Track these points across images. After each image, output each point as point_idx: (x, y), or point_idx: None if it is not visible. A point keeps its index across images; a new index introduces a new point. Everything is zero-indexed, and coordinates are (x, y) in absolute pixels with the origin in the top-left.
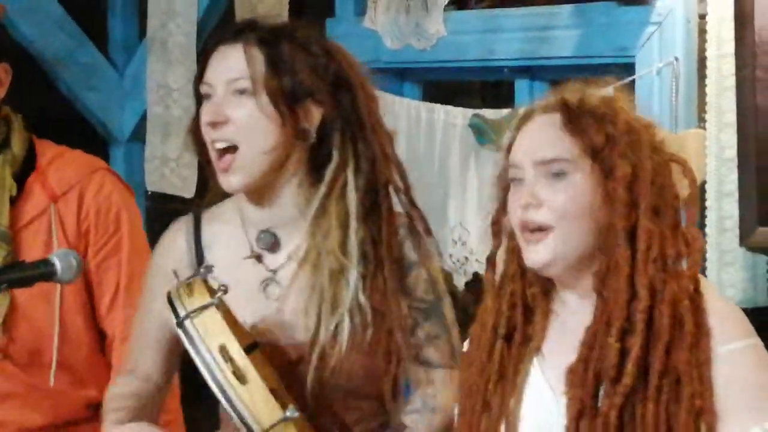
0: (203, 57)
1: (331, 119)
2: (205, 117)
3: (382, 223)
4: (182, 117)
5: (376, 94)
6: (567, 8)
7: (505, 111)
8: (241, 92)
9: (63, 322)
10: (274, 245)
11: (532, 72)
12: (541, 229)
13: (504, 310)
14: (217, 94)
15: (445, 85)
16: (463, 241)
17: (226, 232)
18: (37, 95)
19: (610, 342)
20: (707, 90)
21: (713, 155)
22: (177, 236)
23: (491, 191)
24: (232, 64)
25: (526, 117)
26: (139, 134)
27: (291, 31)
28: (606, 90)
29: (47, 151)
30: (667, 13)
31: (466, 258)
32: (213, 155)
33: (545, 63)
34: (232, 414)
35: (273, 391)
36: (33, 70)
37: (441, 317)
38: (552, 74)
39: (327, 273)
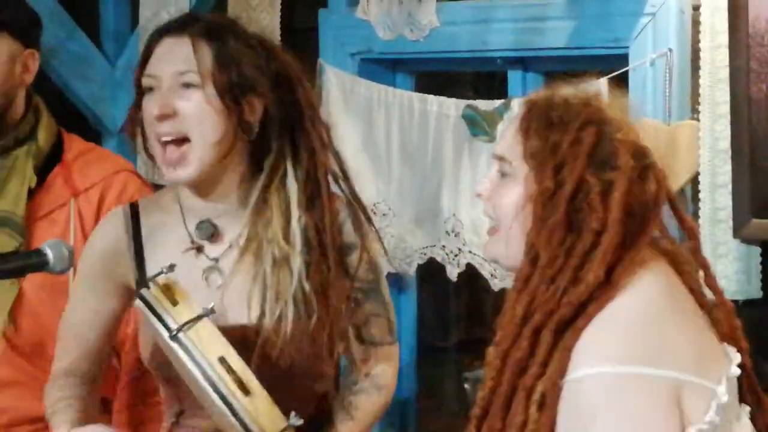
0: (145, 49)
1: (272, 112)
2: (153, 110)
3: (324, 210)
4: None
5: (313, 89)
6: None
7: (498, 102)
8: (188, 85)
9: None
10: (213, 235)
11: (526, 63)
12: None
13: None
14: (162, 86)
15: (437, 76)
16: (456, 233)
17: (165, 222)
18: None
19: (490, 360)
20: (701, 81)
21: (707, 146)
22: (114, 228)
23: None
24: (180, 56)
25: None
26: None
27: (233, 27)
28: (595, 87)
29: (74, 146)
30: (661, 4)
31: (459, 249)
32: (157, 149)
33: (538, 54)
34: (236, 425)
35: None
36: None
37: (380, 296)
38: (545, 65)
39: (269, 261)
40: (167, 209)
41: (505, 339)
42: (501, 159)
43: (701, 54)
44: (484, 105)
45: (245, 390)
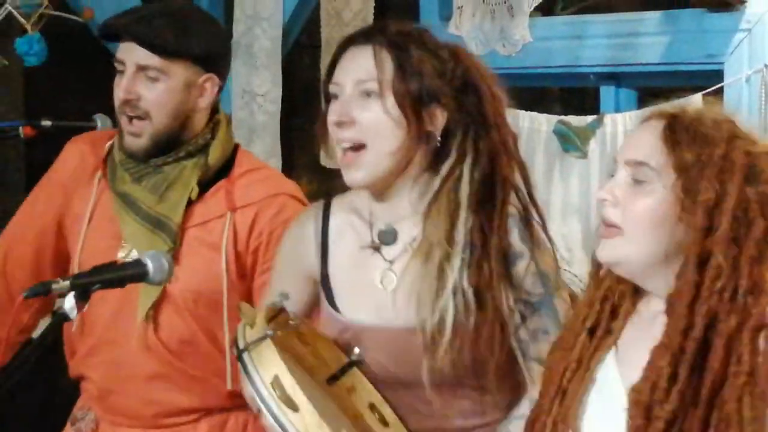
0: (332, 59)
1: (455, 121)
2: (332, 117)
3: (494, 215)
4: (267, 122)
5: (502, 95)
6: (654, 14)
7: (590, 118)
8: (368, 94)
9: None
10: (393, 240)
11: (618, 78)
12: (614, 227)
13: (595, 304)
14: (344, 94)
15: (529, 91)
16: None
17: (353, 220)
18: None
19: (661, 365)
20: None
21: None
22: (306, 224)
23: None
24: (361, 65)
25: (646, 117)
26: None
27: (419, 36)
28: (723, 112)
29: (245, 162)
30: (756, 20)
31: None
32: (338, 153)
33: (632, 69)
34: None
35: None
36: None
37: (551, 312)
38: (638, 81)
39: (436, 262)
40: (357, 209)
41: (687, 352)
42: (640, 165)
43: None
44: (576, 120)
45: (293, 407)
